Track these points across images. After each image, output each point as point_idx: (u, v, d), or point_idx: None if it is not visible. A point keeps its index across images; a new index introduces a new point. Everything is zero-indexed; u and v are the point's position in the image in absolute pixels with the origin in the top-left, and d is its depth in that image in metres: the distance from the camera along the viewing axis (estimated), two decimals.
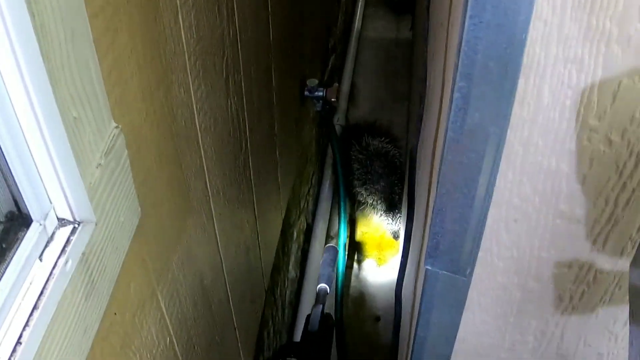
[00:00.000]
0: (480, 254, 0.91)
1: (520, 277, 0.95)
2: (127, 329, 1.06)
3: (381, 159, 3.33)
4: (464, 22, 0.68)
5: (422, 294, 0.99)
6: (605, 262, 0.91)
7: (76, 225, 0.80)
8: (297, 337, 2.71)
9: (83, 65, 0.80)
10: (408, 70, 4.08)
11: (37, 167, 0.75)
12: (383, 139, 3.39)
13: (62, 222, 0.80)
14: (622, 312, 0.99)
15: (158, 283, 1.18)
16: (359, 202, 3.38)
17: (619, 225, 0.86)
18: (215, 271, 1.61)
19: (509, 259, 0.92)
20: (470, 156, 0.78)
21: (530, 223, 0.87)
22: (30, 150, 0.74)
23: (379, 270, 3.22)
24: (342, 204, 3.15)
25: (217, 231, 1.58)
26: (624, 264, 0.91)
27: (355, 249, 3.28)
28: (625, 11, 0.67)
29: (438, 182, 0.83)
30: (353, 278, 3.19)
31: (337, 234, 3.24)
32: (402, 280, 1.23)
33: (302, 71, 2.69)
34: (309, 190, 3.13)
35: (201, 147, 1.38)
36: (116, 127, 0.93)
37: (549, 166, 0.80)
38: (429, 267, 0.93)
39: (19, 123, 0.71)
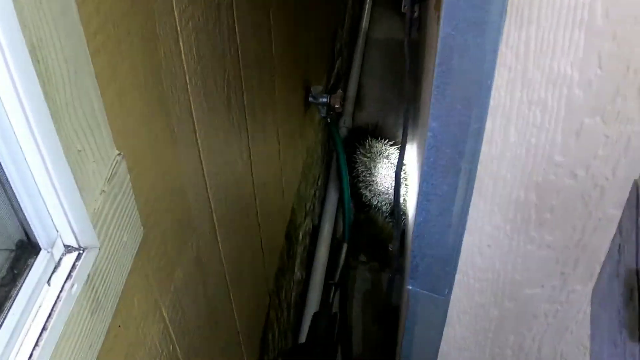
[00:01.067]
0: (458, 276, 0.97)
1: (496, 297, 1.01)
2: (131, 340, 1.13)
3: (385, 161, 3.38)
4: (433, 72, 0.75)
5: (406, 311, 1.05)
6: (577, 284, 0.97)
7: (81, 252, 0.87)
8: (303, 338, 2.77)
9: (86, 101, 0.87)
10: (415, 72, 4.12)
11: (43, 199, 0.83)
12: (387, 141, 3.44)
13: (68, 248, 0.87)
14: None
15: (160, 295, 1.25)
16: (364, 203, 3.43)
17: (587, 250, 0.92)
18: (218, 279, 1.67)
19: (484, 280, 0.99)
20: (444, 189, 0.85)
21: (502, 248, 0.93)
22: (36, 184, 0.81)
23: (383, 272, 3.28)
24: (346, 206, 3.20)
25: (219, 241, 1.64)
26: (593, 285, 0.97)
27: (360, 250, 3.33)
28: (585, 57, 0.73)
29: (416, 210, 0.89)
30: (357, 279, 3.24)
31: (342, 236, 3.30)
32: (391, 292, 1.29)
33: (306, 77, 2.74)
34: (315, 193, 3.19)
35: (203, 166, 1.44)
36: (118, 154, 1.00)
37: (517, 197, 0.87)
38: (410, 287, 0.99)
39: (26, 159, 0.78)
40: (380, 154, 3.39)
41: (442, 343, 1.09)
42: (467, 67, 0.73)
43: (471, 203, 0.87)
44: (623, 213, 0.84)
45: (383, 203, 3.38)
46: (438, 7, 1.06)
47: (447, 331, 1.07)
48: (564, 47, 0.72)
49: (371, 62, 4.32)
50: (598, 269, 0.95)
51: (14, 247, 0.84)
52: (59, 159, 0.80)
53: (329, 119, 3.00)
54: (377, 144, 3.41)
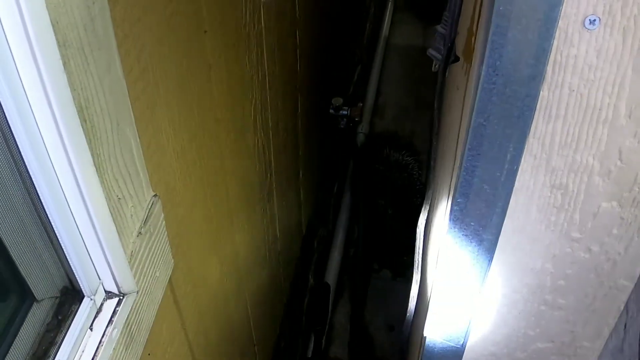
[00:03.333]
0: (473, 328, 1.03)
1: (509, 348, 1.07)
2: None
3: (401, 171, 3.42)
4: (463, 152, 0.80)
5: (421, 353, 1.11)
6: (585, 341, 1.03)
7: (121, 297, 0.93)
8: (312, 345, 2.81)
9: (126, 150, 0.92)
10: (433, 79, 4.15)
11: (87, 249, 0.88)
12: (404, 152, 3.47)
13: (108, 294, 0.93)
14: None
15: (186, 319, 1.30)
16: (379, 212, 3.46)
17: (597, 314, 0.97)
18: (238, 296, 1.73)
19: (499, 334, 1.04)
20: (466, 255, 0.90)
21: (518, 308, 0.99)
22: (81, 235, 0.86)
23: (395, 281, 3.31)
24: (361, 214, 3.23)
25: (239, 260, 1.69)
26: (601, 343, 1.02)
27: (373, 258, 3.37)
28: (607, 151, 0.78)
29: (439, 269, 0.95)
30: (370, 288, 3.28)
31: (357, 243, 3.34)
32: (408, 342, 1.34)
33: (327, 90, 2.79)
34: (330, 201, 3.23)
35: (227, 187, 1.49)
36: (154, 195, 1.05)
37: (534, 266, 0.92)
38: (427, 337, 1.05)
39: (72, 212, 0.83)
40: (397, 164, 3.42)
41: None
42: (495, 154, 0.78)
43: (491, 267, 0.92)
44: (630, 295, 0.90)
45: (397, 212, 3.42)
46: (469, 58, 1.11)
47: None
48: (587, 141, 0.77)
49: (390, 68, 4.35)
50: (606, 330, 1.00)
51: (58, 294, 0.89)
52: (101, 210, 0.85)
53: (346, 129, 3.04)
54: (394, 154, 3.44)
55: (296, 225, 2.50)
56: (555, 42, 0.68)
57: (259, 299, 1.96)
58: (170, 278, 1.15)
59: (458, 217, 0.86)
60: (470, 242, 0.88)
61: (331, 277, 3.07)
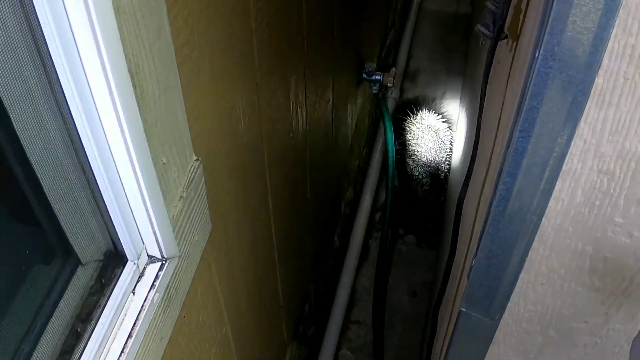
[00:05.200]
0: (509, 304, 1.03)
1: (542, 326, 1.07)
2: (192, 328, 1.20)
3: (433, 135, 3.41)
4: (512, 133, 0.80)
5: (454, 328, 1.12)
6: (618, 323, 1.03)
7: (164, 262, 0.94)
8: (336, 309, 2.82)
9: (172, 115, 0.93)
10: (465, 46, 4.12)
11: (132, 213, 0.89)
12: (439, 116, 3.46)
13: (151, 259, 0.94)
14: None
15: (220, 282, 1.31)
16: (406, 173, 3.45)
17: (632, 297, 0.97)
18: (269, 260, 1.74)
19: (533, 312, 1.04)
20: (508, 234, 0.90)
21: (554, 287, 0.99)
22: (127, 199, 0.87)
23: (420, 247, 3.32)
24: (390, 174, 3.21)
25: (272, 222, 1.70)
26: (634, 327, 1.03)
27: (399, 222, 3.38)
28: None
29: (478, 246, 0.95)
30: (394, 253, 3.29)
31: (383, 207, 3.35)
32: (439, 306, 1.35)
33: (360, 55, 2.77)
34: (358, 163, 3.23)
35: (264, 151, 1.50)
36: (196, 159, 1.05)
37: (575, 248, 0.92)
38: (464, 309, 1.05)
39: (120, 176, 0.84)
40: (429, 127, 3.41)
41: (486, 358, 1.16)
42: (546, 137, 0.78)
43: (531, 247, 0.92)
44: None
45: (424, 175, 3.41)
46: (514, 35, 1.10)
47: (492, 348, 1.14)
48: (638, 129, 0.76)
49: (422, 33, 4.32)
50: (639, 314, 1.01)
51: (102, 258, 0.90)
52: (149, 175, 0.86)
53: (380, 95, 3.03)
54: (428, 117, 3.43)
55: (327, 187, 2.50)
56: (614, 31, 0.68)
57: (287, 262, 1.97)
58: (207, 241, 1.16)
59: (504, 196, 0.86)
60: (514, 220, 0.88)
61: (356, 240, 3.08)
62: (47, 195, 0.77)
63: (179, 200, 0.99)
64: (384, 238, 3.12)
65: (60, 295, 0.83)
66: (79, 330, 0.84)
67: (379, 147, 3.42)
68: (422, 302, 3.12)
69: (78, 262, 0.86)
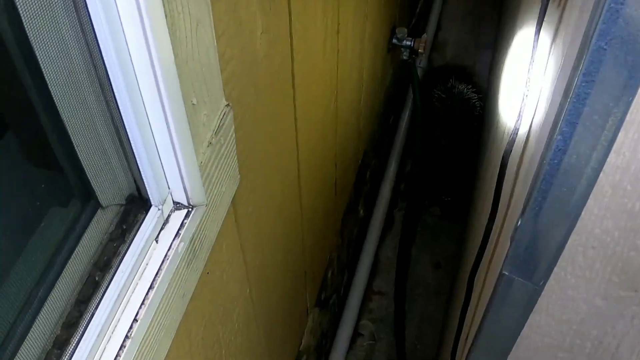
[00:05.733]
0: (555, 269, 0.96)
1: (588, 294, 1.00)
2: (215, 285, 1.14)
3: (462, 104, 3.34)
4: (573, 77, 0.73)
5: (494, 293, 1.05)
6: None
7: (190, 209, 0.87)
8: (359, 276, 2.77)
9: (204, 52, 0.86)
10: (496, 18, 4.03)
11: (159, 154, 0.82)
12: (469, 86, 3.39)
13: (177, 205, 0.87)
14: None
15: (245, 239, 1.26)
16: (434, 142, 3.38)
17: None
18: (295, 221, 1.68)
19: (581, 277, 0.98)
20: (562, 190, 0.83)
21: (606, 252, 0.92)
22: (154, 139, 0.80)
23: (444, 219, 3.26)
24: (417, 141, 3.14)
25: (300, 181, 1.64)
26: None
27: (424, 193, 3.31)
28: None
29: (527, 204, 0.88)
30: (419, 224, 3.23)
31: (409, 175, 3.29)
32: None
33: (391, 19, 2.70)
34: (385, 131, 3.17)
35: (296, 106, 1.43)
36: (227, 105, 0.99)
37: (632, 208, 0.85)
38: (507, 273, 0.99)
39: (147, 113, 0.77)
40: (460, 95, 3.35)
41: (525, 326, 1.09)
42: (612, 82, 0.71)
43: (585, 206, 0.85)
44: None
45: (452, 144, 3.35)
46: None
47: (533, 317, 1.07)
48: None
49: (453, 3, 4.23)
50: None
51: (124, 202, 0.84)
52: (178, 113, 0.79)
53: (410, 61, 2.95)
54: (459, 85, 3.36)
55: (354, 153, 2.44)
56: None
57: (313, 226, 1.92)
58: (234, 195, 1.10)
59: (560, 148, 0.79)
60: (570, 175, 0.81)
61: (381, 209, 3.02)
62: (67, 129, 0.71)
63: (208, 146, 0.92)
64: (409, 207, 3.06)
65: (78, 240, 0.77)
66: (96, 278, 0.78)
67: (405, 115, 3.36)
68: (445, 274, 3.06)
69: (98, 204, 0.79)
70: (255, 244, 1.34)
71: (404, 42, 2.71)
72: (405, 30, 2.72)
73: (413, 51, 2.74)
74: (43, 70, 0.65)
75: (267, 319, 1.59)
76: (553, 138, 0.79)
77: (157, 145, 0.80)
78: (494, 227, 1.18)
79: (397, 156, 3.24)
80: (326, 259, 2.29)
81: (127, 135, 0.77)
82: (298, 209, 1.68)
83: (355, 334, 2.82)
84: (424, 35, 2.72)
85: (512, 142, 1.06)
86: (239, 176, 1.10)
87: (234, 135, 1.03)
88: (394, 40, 2.71)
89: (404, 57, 2.80)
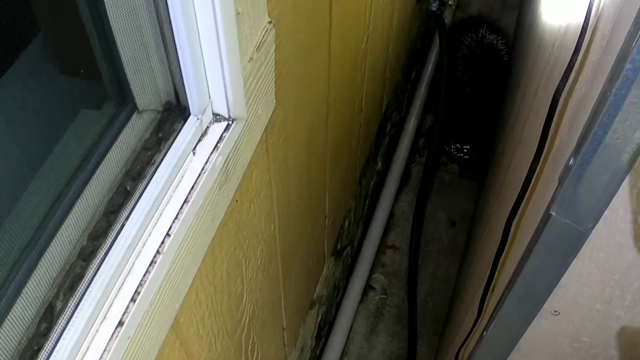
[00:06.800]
0: (606, 212, 0.91)
1: (636, 241, 0.95)
2: (242, 215, 1.10)
3: (492, 54, 3.28)
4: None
5: (536, 236, 1.00)
6: None
7: (230, 122, 0.82)
8: (373, 229, 2.74)
9: None
10: None
11: (203, 59, 0.76)
12: (500, 38, 3.32)
13: (216, 117, 0.82)
14: None
15: (275, 172, 1.21)
16: (458, 90, 3.31)
17: None
18: (320, 161, 1.63)
19: (633, 222, 0.93)
20: (625, 126, 0.78)
21: None
22: (200, 42, 0.75)
23: (462, 177, 3.21)
24: (442, 90, 3.07)
25: (328, 123, 1.59)
26: None
27: (441, 150, 3.26)
28: None
29: (583, 141, 0.83)
30: (436, 181, 3.18)
31: (432, 127, 3.23)
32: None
33: None
34: (408, 86, 3.11)
35: (330, 35, 1.38)
36: (269, 22, 0.94)
37: None
38: (554, 214, 0.94)
39: (195, 9, 0.71)
40: (489, 46, 3.28)
41: (565, 274, 1.04)
42: None
43: None
44: None
45: (478, 94, 3.29)
46: None
47: (575, 263, 1.02)
48: None
49: None
50: None
51: (161, 109, 0.78)
52: (229, 14, 0.73)
53: (437, 13, 2.88)
54: (489, 36, 3.29)
55: (378, 102, 2.38)
56: None
57: (336, 169, 1.87)
58: (267, 121, 1.05)
59: (629, 78, 0.74)
60: (635, 112, 0.76)
61: (398, 163, 2.97)
62: (109, 21, 0.65)
63: (249, 61, 0.87)
64: (427, 161, 3.01)
65: (110, 146, 0.71)
66: (128, 188, 0.73)
67: (428, 71, 3.29)
68: (460, 232, 3.02)
69: (134, 107, 0.74)
70: (283, 177, 1.29)
71: None
72: None
73: (442, 2, 2.67)
74: None
75: (288, 260, 1.54)
76: (622, 67, 0.73)
77: (202, 48, 0.74)
78: (538, 168, 1.12)
79: (417, 110, 3.17)
80: (346, 206, 2.24)
81: (172, 31, 0.71)
82: (323, 149, 1.64)
83: (367, 287, 2.78)
84: None
85: (566, 77, 1.01)
86: (274, 101, 1.05)
87: (273, 55, 0.98)
88: None
89: (433, 9, 2.74)
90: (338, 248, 2.31)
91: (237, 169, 0.93)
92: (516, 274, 1.09)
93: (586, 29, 0.99)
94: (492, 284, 1.37)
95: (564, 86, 1.01)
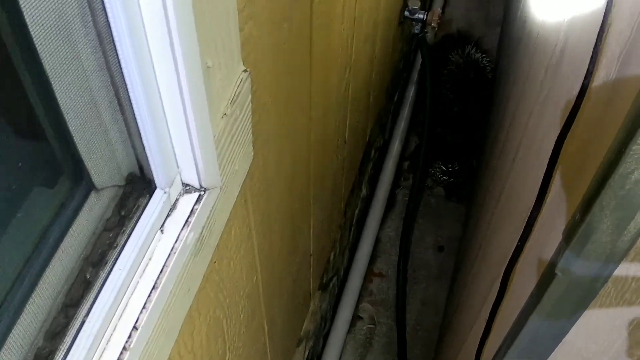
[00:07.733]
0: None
1: None
2: (222, 275, 1.01)
3: (477, 71, 3.23)
4: None
5: (539, 289, 0.93)
6: None
7: (202, 193, 0.74)
8: (359, 257, 2.67)
9: (221, 7, 0.72)
10: None
11: (168, 126, 0.68)
12: (484, 56, 3.27)
13: (186, 188, 0.74)
14: None
15: (255, 223, 1.13)
16: (445, 105, 3.26)
17: None
18: (303, 201, 1.56)
19: None
20: None
21: None
22: (163, 106, 0.66)
23: (449, 200, 3.14)
24: (427, 107, 3.01)
25: (310, 161, 1.51)
26: None
27: (427, 173, 3.19)
28: None
29: (599, 191, 0.75)
30: (422, 205, 3.11)
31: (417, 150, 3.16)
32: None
33: None
34: (391, 108, 3.04)
35: (311, 72, 1.30)
36: (244, 70, 0.85)
37: None
38: (559, 274, 0.86)
39: (155, 73, 0.63)
40: (475, 63, 3.22)
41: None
42: None
43: None
44: None
45: (464, 111, 3.23)
46: None
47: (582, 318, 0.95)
48: None
49: None
50: None
51: (123, 183, 0.69)
52: (194, 75, 0.64)
53: (420, 35, 2.81)
54: (475, 53, 3.24)
55: (362, 131, 2.31)
56: None
57: (321, 205, 1.79)
58: (247, 174, 0.97)
59: None
60: None
61: (383, 188, 2.90)
62: (54, 90, 0.56)
63: (222, 117, 0.78)
64: (414, 185, 2.95)
65: (66, 230, 0.63)
66: (88, 276, 0.65)
67: (410, 93, 3.23)
68: (448, 256, 2.95)
69: (91, 186, 0.65)
70: (265, 226, 1.21)
71: (417, 15, 2.57)
72: (419, 2, 2.58)
73: (426, 24, 2.60)
74: (22, 8, 0.51)
75: (273, 307, 1.46)
76: None
77: (165, 114, 0.65)
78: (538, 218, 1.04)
79: (401, 134, 3.11)
80: (331, 241, 2.17)
81: (130, 99, 0.61)
82: (307, 188, 1.56)
83: (355, 317, 2.71)
84: (438, 9, 2.59)
85: (568, 124, 0.92)
86: (252, 152, 0.97)
87: (250, 105, 0.90)
88: (406, 13, 2.58)
89: (415, 31, 2.67)
90: (324, 281, 2.23)
91: (214, 233, 0.85)
92: (517, 326, 1.02)
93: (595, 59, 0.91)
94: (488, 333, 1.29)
95: (567, 132, 0.93)
